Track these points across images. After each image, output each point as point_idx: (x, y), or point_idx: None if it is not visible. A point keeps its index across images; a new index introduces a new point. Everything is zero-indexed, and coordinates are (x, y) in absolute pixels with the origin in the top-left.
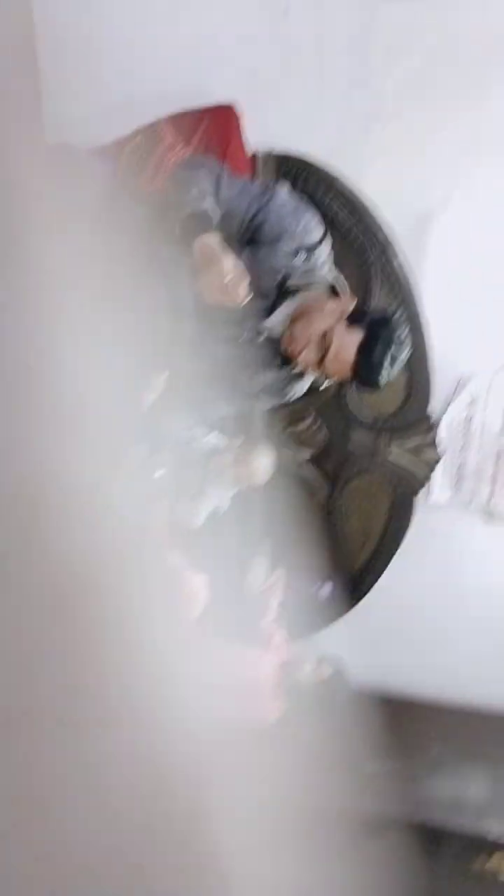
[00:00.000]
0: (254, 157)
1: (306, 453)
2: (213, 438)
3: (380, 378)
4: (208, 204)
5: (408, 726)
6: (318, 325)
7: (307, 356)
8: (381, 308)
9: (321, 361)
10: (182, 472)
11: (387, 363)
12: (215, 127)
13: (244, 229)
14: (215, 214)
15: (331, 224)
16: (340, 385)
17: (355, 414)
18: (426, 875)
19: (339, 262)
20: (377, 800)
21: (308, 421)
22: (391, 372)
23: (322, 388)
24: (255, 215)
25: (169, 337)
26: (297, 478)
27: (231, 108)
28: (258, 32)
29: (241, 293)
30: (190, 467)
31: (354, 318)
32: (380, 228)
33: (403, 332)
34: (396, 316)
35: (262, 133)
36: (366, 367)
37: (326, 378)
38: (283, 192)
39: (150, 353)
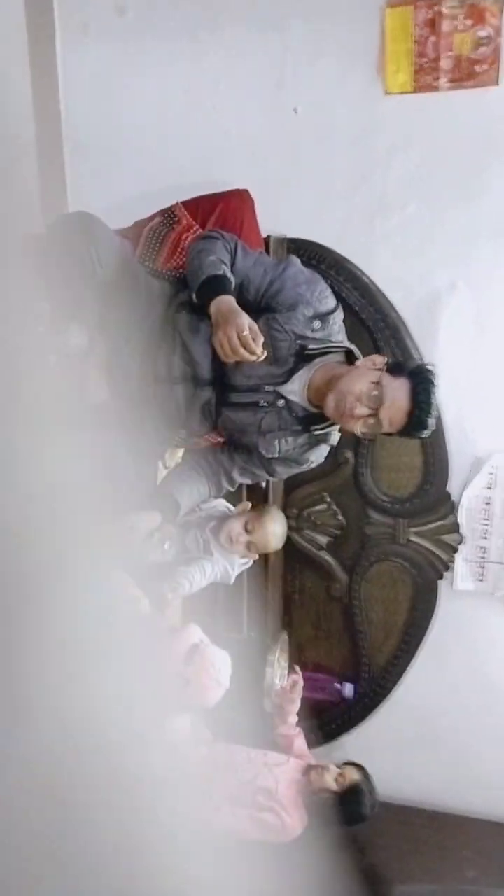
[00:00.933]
0: (266, 240)
1: (323, 539)
2: (222, 505)
3: (431, 420)
4: (225, 270)
5: (438, 843)
6: (366, 378)
7: (360, 410)
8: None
9: (375, 414)
10: (187, 535)
11: (435, 405)
12: (230, 209)
13: (260, 297)
14: (232, 280)
15: (343, 305)
16: (356, 467)
17: (372, 497)
18: None
19: (351, 341)
20: None
21: (324, 505)
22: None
23: (365, 437)
24: (271, 283)
25: (186, 405)
26: (314, 564)
27: (245, 191)
28: (270, 128)
29: (259, 348)
30: (195, 530)
31: (392, 371)
32: (392, 309)
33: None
34: (429, 364)
35: (271, 223)
36: (420, 410)
37: (372, 432)
38: (297, 262)
39: (167, 423)
